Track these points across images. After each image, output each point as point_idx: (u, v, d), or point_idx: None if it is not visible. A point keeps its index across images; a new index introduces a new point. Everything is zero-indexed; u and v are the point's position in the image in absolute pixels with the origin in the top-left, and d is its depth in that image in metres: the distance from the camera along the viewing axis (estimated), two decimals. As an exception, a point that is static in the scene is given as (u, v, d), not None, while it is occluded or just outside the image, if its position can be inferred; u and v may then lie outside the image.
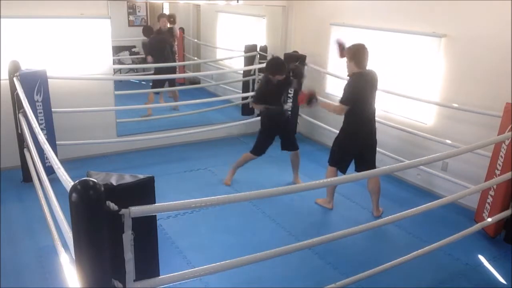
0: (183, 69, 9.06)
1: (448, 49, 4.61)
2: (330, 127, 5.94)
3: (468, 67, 4.47)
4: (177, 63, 7.54)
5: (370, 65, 5.45)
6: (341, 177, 2.68)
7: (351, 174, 2.73)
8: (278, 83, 4.51)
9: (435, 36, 4.65)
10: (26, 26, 4.73)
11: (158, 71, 7.23)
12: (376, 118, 5.30)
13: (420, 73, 4.89)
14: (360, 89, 4.00)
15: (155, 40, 7.18)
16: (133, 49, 9.25)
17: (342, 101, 4.02)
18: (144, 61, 8.40)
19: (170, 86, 7.35)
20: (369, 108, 4.11)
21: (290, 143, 4.86)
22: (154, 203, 1.98)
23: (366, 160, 4.17)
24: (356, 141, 4.14)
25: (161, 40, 7.16)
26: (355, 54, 3.99)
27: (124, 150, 5.70)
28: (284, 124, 4.82)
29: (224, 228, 4.06)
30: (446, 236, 3.39)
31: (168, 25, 7.34)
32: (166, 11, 9.66)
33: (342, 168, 4.26)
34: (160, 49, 7.15)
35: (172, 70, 7.47)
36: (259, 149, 4.79)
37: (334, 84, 6.03)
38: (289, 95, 6.23)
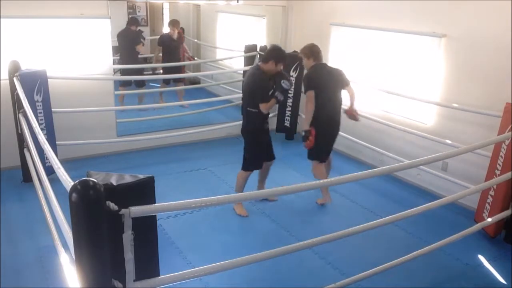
0: (183, 69, 9.05)
1: (448, 49, 4.60)
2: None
3: (468, 67, 4.47)
4: (176, 63, 7.51)
5: (369, 64, 5.48)
6: (342, 177, 2.67)
7: (351, 174, 2.72)
8: (270, 77, 4.01)
9: (435, 36, 4.65)
10: (26, 26, 4.73)
11: (124, 71, 7.09)
12: (376, 118, 5.37)
13: (420, 73, 4.89)
14: (320, 76, 4.33)
15: (120, 38, 6.99)
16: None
17: (307, 89, 4.35)
18: (144, 61, 8.40)
19: (137, 86, 7.32)
20: (333, 98, 4.39)
21: (271, 153, 4.43)
22: (154, 203, 1.98)
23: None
24: (330, 128, 4.44)
25: (127, 39, 7.00)
26: (312, 51, 4.39)
27: (124, 150, 5.70)
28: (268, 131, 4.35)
29: (224, 228, 4.06)
30: (446, 236, 3.39)
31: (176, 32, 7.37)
32: (166, 11, 9.66)
33: (324, 158, 4.49)
34: (125, 49, 7.07)
35: (178, 70, 7.42)
36: (253, 164, 4.27)
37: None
38: (289, 95, 6.23)
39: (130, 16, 8.45)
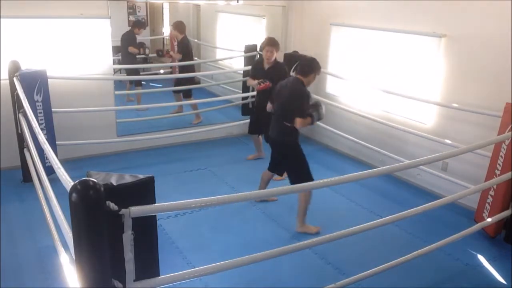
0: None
1: (448, 49, 4.60)
2: (331, 128, 5.94)
3: (468, 67, 4.46)
4: (175, 63, 7.51)
5: (369, 64, 5.46)
6: (342, 177, 2.67)
7: (351, 174, 2.72)
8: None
9: (435, 36, 4.65)
10: (26, 26, 4.73)
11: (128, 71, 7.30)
12: (376, 118, 5.38)
13: (420, 73, 4.89)
14: None
15: (123, 39, 7.20)
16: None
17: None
18: (145, 61, 8.40)
19: (135, 86, 7.44)
20: None
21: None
22: (154, 203, 1.98)
23: None
24: None
25: (127, 38, 7.18)
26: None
27: (124, 150, 5.70)
28: None
29: (224, 228, 4.06)
30: (446, 236, 3.40)
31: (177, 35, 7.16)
32: (166, 11, 9.66)
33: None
34: (124, 50, 7.22)
35: (191, 69, 7.19)
36: (310, 174, 3.95)
37: (334, 84, 6.03)
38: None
39: (135, 18, 8.47)
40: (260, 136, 5.44)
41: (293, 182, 3.94)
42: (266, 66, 4.93)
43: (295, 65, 5.97)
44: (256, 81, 4.86)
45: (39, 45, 4.84)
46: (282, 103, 3.93)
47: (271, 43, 4.83)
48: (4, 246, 3.58)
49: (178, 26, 6.94)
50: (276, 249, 2.55)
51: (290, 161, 4.01)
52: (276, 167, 4.29)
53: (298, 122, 3.72)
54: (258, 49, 6.91)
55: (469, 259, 3.73)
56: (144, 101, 7.28)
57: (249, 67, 6.92)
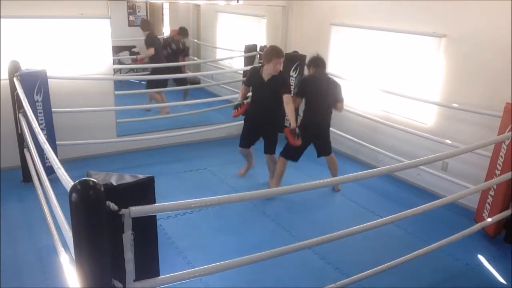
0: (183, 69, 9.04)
1: (448, 49, 4.61)
2: (331, 128, 5.93)
3: (468, 67, 4.47)
4: (175, 63, 7.51)
5: (369, 64, 5.46)
6: (342, 177, 2.68)
7: (351, 174, 2.72)
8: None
9: (435, 36, 4.65)
10: (26, 26, 4.73)
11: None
12: (376, 118, 5.38)
13: (420, 73, 4.89)
14: None
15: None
16: (133, 49, 9.23)
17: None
18: (134, 61, 8.44)
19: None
20: None
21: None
22: (154, 203, 1.98)
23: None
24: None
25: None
26: None
27: (124, 150, 5.70)
28: None
29: (224, 228, 4.06)
30: (446, 236, 3.40)
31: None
32: (166, 11, 9.66)
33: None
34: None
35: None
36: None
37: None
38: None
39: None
40: (251, 148, 4.98)
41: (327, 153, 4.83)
42: (266, 77, 4.39)
43: (295, 64, 6.04)
44: (239, 99, 4.67)
45: (39, 45, 4.84)
46: (327, 93, 4.65)
47: (280, 54, 4.31)
48: (4, 246, 3.58)
49: (142, 23, 7.44)
50: (276, 249, 2.54)
51: (326, 136, 4.85)
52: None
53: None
54: (258, 49, 6.93)
55: (469, 259, 3.73)
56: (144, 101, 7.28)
57: (249, 67, 6.96)
